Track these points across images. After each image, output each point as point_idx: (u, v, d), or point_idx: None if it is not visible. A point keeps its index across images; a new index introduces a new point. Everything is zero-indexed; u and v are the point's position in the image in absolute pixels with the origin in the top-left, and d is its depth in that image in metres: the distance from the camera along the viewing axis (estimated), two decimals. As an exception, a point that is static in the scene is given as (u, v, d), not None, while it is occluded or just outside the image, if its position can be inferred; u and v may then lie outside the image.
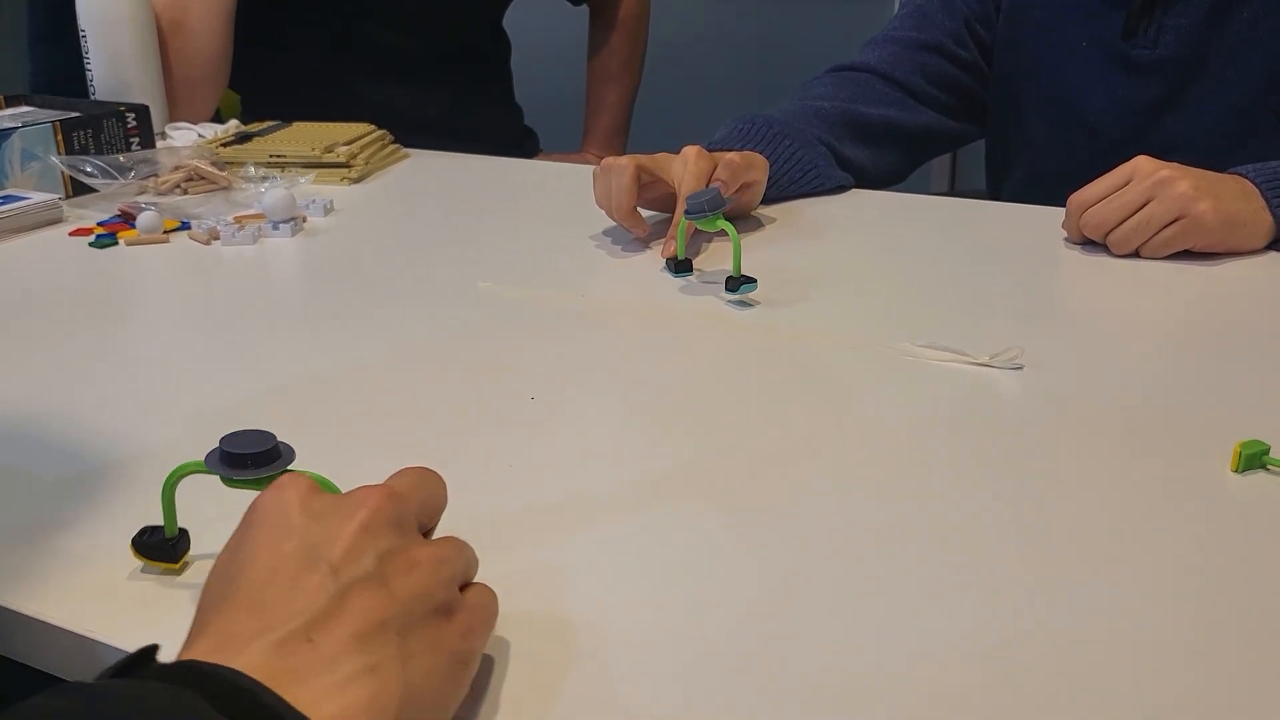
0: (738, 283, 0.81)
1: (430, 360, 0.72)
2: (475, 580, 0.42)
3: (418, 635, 0.36)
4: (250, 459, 0.44)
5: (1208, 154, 0.94)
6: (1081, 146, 1.13)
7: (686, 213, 0.83)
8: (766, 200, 1.03)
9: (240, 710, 0.31)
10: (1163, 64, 1.06)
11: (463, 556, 0.41)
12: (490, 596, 0.41)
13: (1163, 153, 0.90)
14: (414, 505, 0.41)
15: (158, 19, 1.31)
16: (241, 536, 0.39)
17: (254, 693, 0.32)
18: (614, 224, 0.98)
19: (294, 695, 0.32)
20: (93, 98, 1.27)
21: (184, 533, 0.49)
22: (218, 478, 0.44)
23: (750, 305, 0.80)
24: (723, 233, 0.85)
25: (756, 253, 0.93)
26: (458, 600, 0.39)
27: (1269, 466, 0.56)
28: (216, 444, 0.45)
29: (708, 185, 0.91)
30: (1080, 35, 1.11)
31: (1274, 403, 0.64)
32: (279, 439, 0.45)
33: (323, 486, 0.42)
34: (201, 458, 0.45)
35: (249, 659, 0.33)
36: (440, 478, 0.44)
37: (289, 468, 0.44)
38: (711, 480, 0.56)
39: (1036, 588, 0.47)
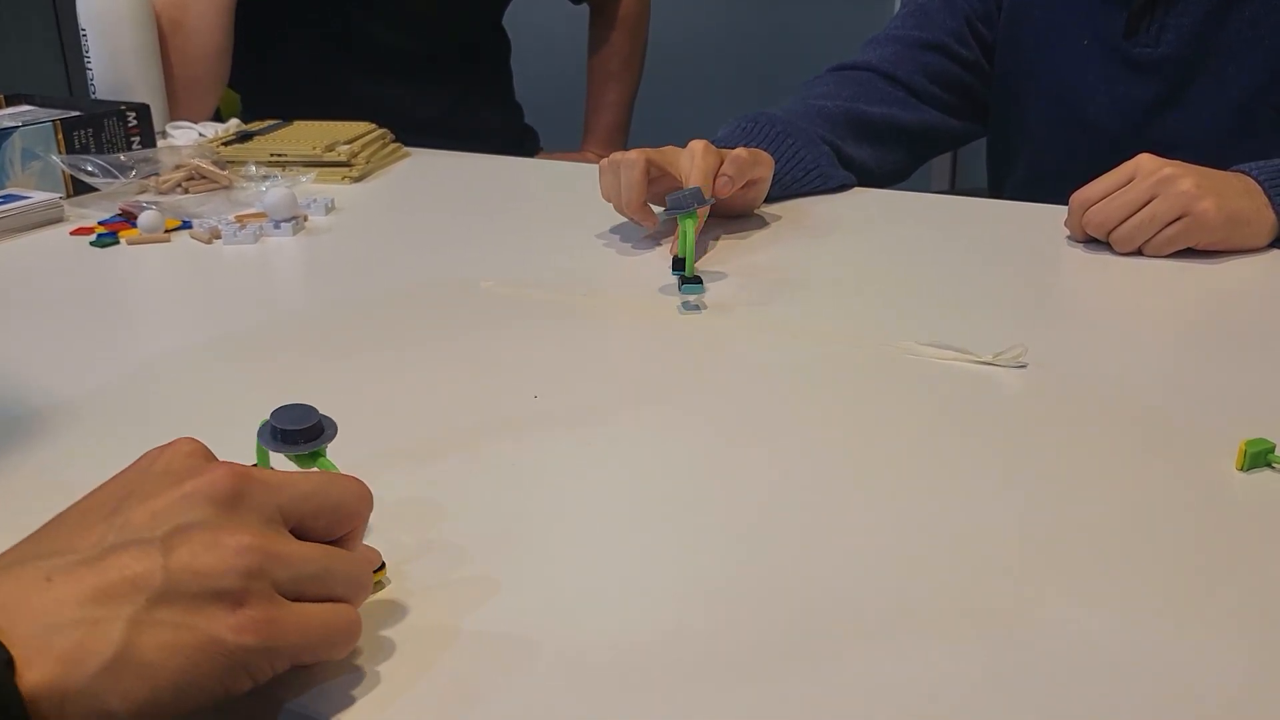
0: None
1: (432, 359, 0.71)
2: (346, 603, 0.40)
3: (173, 610, 0.35)
4: (301, 435, 0.45)
5: (1209, 152, 0.94)
6: (1082, 144, 1.13)
7: (668, 209, 0.83)
8: (768, 199, 1.03)
9: None
10: (1164, 62, 1.06)
11: (322, 567, 0.39)
12: (332, 621, 0.39)
13: (1164, 150, 0.90)
14: (277, 496, 0.39)
15: (157, 18, 1.31)
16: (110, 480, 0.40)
17: None
18: (616, 222, 0.98)
19: (7, 624, 0.33)
20: (93, 96, 1.27)
21: None
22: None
23: (699, 309, 0.79)
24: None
25: (760, 251, 0.93)
26: (259, 598, 0.36)
27: (1274, 464, 0.56)
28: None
29: (714, 179, 0.91)
30: (1081, 33, 1.11)
31: (1277, 400, 0.64)
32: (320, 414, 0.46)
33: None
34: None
35: None
36: (357, 489, 0.42)
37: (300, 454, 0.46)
38: (714, 479, 0.56)
39: (1041, 587, 0.47)
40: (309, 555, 0.39)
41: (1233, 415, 0.62)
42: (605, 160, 0.95)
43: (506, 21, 1.68)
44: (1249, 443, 0.56)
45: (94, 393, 0.67)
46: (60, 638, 0.33)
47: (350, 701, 0.40)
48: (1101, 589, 0.47)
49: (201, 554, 0.36)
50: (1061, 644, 0.43)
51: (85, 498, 0.39)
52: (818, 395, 0.66)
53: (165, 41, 1.32)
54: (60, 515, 0.39)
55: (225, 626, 0.35)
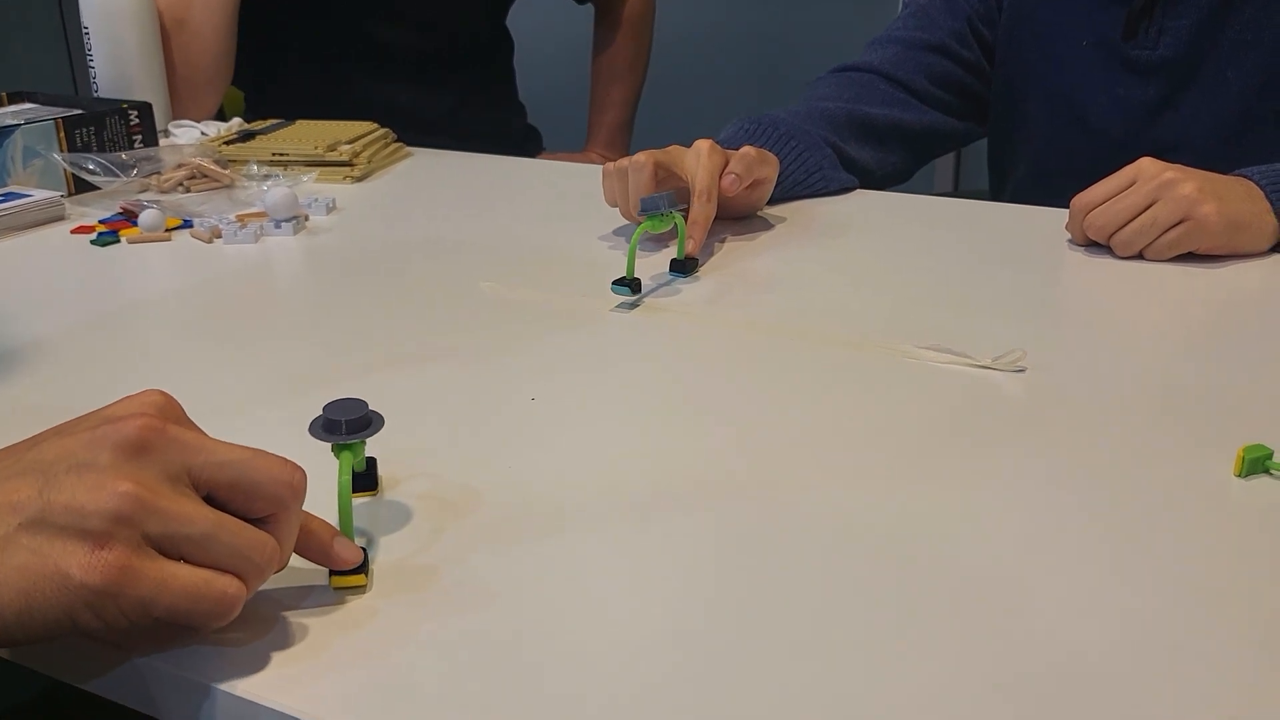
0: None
1: (431, 360, 0.71)
2: (233, 575, 0.40)
3: (36, 537, 0.37)
4: (346, 425, 0.46)
5: (1208, 154, 0.94)
6: (1083, 146, 1.12)
7: (641, 210, 0.84)
8: (770, 201, 1.03)
9: None
10: (1162, 64, 1.06)
11: (205, 532, 0.39)
12: (202, 587, 0.39)
13: (1164, 152, 0.89)
14: (190, 457, 0.40)
15: (160, 17, 1.31)
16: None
17: None
18: (618, 224, 0.98)
19: None
20: (95, 94, 1.27)
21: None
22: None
23: (630, 308, 0.80)
24: (673, 230, 0.90)
25: (763, 254, 0.93)
26: (122, 544, 0.37)
27: (1272, 471, 0.56)
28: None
29: (720, 178, 0.91)
30: (1081, 34, 1.10)
31: (1278, 406, 0.64)
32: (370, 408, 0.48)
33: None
34: None
35: None
36: (282, 474, 0.42)
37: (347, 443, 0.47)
38: (711, 481, 0.56)
39: (1038, 592, 0.47)
40: (194, 517, 0.39)
41: (1232, 421, 0.62)
42: (611, 165, 0.95)
43: (510, 21, 1.68)
44: (1247, 449, 0.56)
45: (93, 391, 0.67)
46: None
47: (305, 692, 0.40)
48: (1098, 596, 0.46)
49: (81, 492, 0.37)
50: (1058, 649, 0.43)
51: (69, 423, 0.41)
52: (816, 399, 0.66)
53: (168, 41, 1.32)
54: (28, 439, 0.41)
55: (76, 563, 0.37)
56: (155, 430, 0.39)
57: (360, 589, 0.46)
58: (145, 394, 0.42)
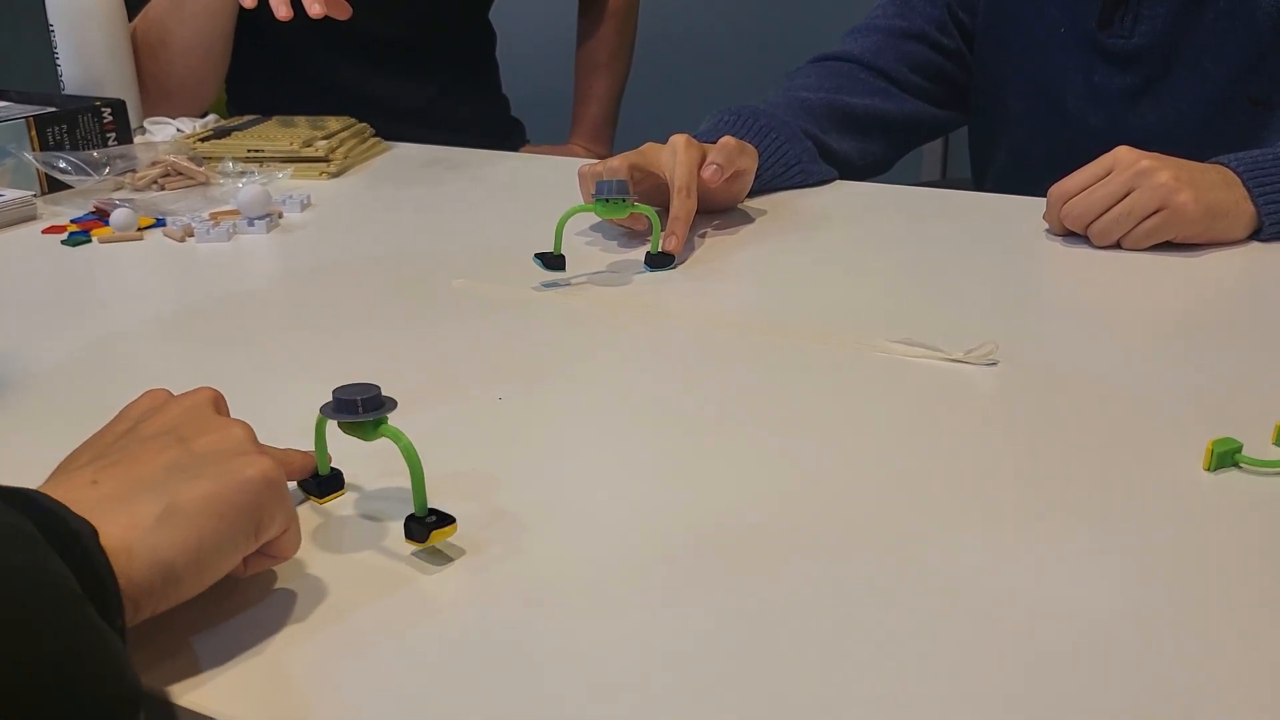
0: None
1: (398, 361, 0.71)
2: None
3: (203, 473, 0.42)
4: (362, 404, 0.48)
5: (1185, 142, 0.93)
6: (1061, 134, 1.12)
7: (595, 195, 0.83)
8: (749, 193, 1.02)
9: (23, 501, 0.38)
10: (1138, 53, 1.05)
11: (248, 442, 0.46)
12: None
13: (1141, 141, 0.89)
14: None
15: (136, 36, 1.29)
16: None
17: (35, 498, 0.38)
18: (594, 221, 0.97)
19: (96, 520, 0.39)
20: (62, 93, 1.26)
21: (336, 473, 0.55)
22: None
23: (557, 285, 0.83)
24: (639, 216, 0.89)
25: (742, 249, 0.92)
26: (265, 452, 0.45)
27: (1241, 464, 0.55)
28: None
29: (700, 170, 0.91)
30: (1058, 22, 1.10)
31: (1250, 398, 0.64)
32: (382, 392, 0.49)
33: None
34: None
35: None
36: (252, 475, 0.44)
37: (384, 419, 0.49)
38: (682, 478, 0.55)
39: (1008, 587, 0.46)
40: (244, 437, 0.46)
41: (1204, 413, 0.61)
42: (585, 168, 0.94)
43: (494, 13, 1.67)
44: (1216, 442, 0.55)
45: (62, 394, 0.66)
46: (119, 513, 0.39)
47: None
48: (1067, 590, 0.46)
49: (214, 434, 0.45)
50: (1026, 644, 0.42)
51: (111, 422, 0.49)
52: (787, 394, 0.65)
53: (145, 58, 1.31)
54: (85, 442, 0.48)
55: (250, 465, 0.43)
56: (219, 394, 0.49)
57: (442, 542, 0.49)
58: (200, 390, 0.49)
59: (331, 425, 0.50)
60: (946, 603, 0.45)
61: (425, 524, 0.48)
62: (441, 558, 0.49)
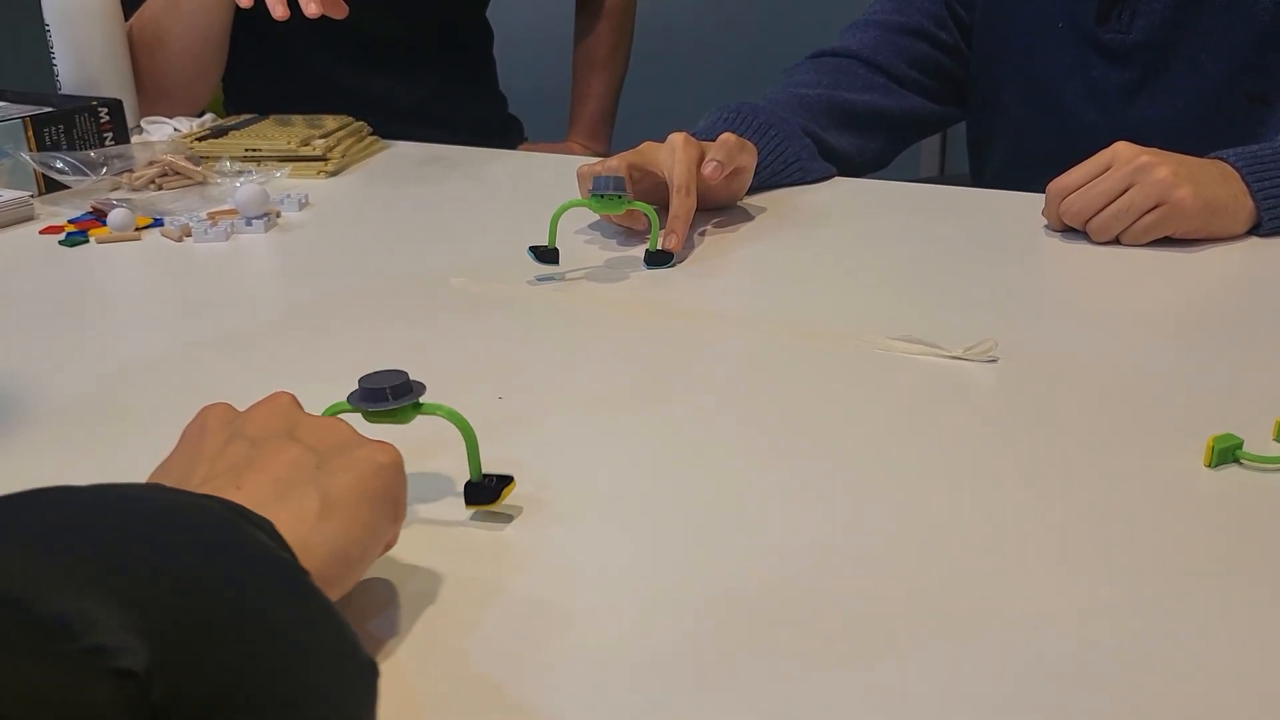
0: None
1: (397, 359, 0.70)
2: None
3: (334, 465, 0.42)
4: (390, 392, 0.49)
5: (1182, 138, 0.93)
6: (1058, 130, 1.12)
7: (591, 191, 0.84)
8: (748, 190, 1.02)
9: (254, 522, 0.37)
10: (1136, 48, 1.05)
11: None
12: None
13: (1139, 137, 0.89)
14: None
15: (133, 35, 1.29)
16: (170, 455, 0.46)
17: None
18: (593, 220, 0.97)
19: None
20: (59, 93, 1.26)
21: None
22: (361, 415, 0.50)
23: (552, 279, 0.84)
24: (638, 216, 0.89)
25: (741, 246, 0.92)
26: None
27: (1242, 461, 0.55)
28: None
29: (700, 168, 0.91)
30: (1056, 17, 1.10)
31: (1250, 393, 0.63)
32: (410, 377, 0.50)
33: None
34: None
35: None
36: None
37: (421, 400, 0.50)
38: (682, 476, 0.55)
39: (1007, 584, 0.46)
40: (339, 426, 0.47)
41: (1204, 409, 0.61)
42: (584, 167, 0.94)
43: (491, 10, 1.67)
44: (1216, 439, 0.55)
45: (59, 396, 0.66)
46: (280, 511, 0.39)
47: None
48: (1066, 587, 0.46)
49: (321, 429, 0.45)
50: (1028, 642, 0.42)
51: (190, 442, 0.46)
52: (786, 391, 0.65)
53: (141, 57, 1.30)
54: (171, 465, 0.45)
55: (381, 452, 0.43)
56: (289, 397, 0.48)
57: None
58: (278, 394, 0.48)
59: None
60: (946, 599, 0.45)
61: (489, 487, 0.51)
62: (502, 518, 0.51)
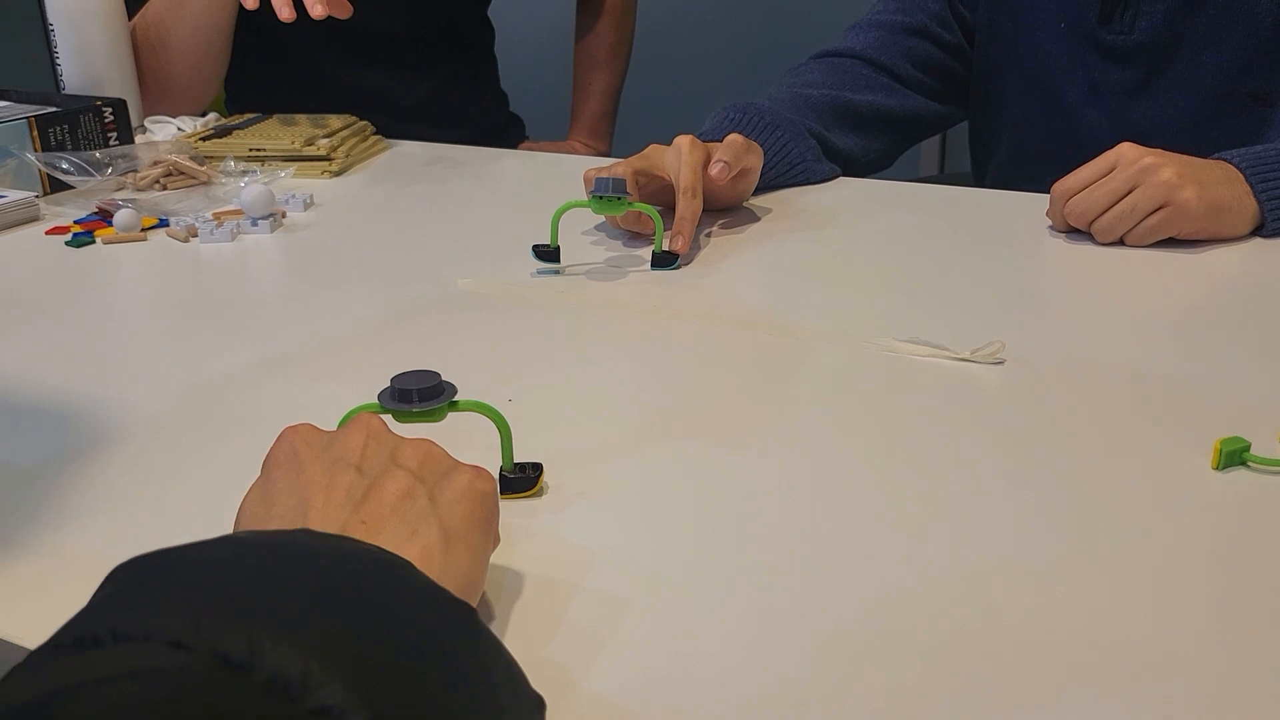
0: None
1: (406, 361, 0.71)
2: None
3: (441, 495, 0.43)
4: (417, 394, 0.50)
5: (1184, 138, 0.93)
6: (1060, 129, 1.12)
7: (593, 192, 0.84)
8: (754, 191, 1.02)
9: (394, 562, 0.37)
10: (1138, 49, 1.05)
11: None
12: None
13: (1141, 137, 0.89)
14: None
15: (137, 35, 1.29)
16: (264, 482, 0.44)
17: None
18: (598, 220, 0.97)
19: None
20: (63, 93, 1.26)
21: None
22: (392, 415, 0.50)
23: (554, 273, 0.86)
24: (644, 219, 0.90)
25: (748, 247, 0.92)
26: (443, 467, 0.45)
27: (1249, 463, 0.56)
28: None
29: (707, 169, 0.91)
30: (1059, 17, 1.10)
31: (1257, 396, 0.64)
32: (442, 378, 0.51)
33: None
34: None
35: None
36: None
37: (455, 399, 0.51)
38: (691, 477, 0.56)
39: (1016, 587, 0.46)
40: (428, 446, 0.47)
41: (1210, 412, 0.62)
42: (591, 173, 0.94)
43: (492, 8, 1.67)
44: (1224, 441, 0.55)
45: (65, 395, 0.66)
46: (410, 548, 0.40)
47: None
48: (1075, 589, 0.46)
49: (421, 455, 0.45)
50: (1034, 642, 0.43)
51: (287, 469, 0.44)
52: (794, 393, 0.65)
53: (144, 57, 1.30)
54: (282, 487, 0.43)
55: (475, 476, 0.44)
56: (380, 423, 0.48)
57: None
58: (296, 426, 0.47)
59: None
60: (953, 600, 0.46)
61: (526, 477, 0.53)
62: (534, 506, 0.53)
